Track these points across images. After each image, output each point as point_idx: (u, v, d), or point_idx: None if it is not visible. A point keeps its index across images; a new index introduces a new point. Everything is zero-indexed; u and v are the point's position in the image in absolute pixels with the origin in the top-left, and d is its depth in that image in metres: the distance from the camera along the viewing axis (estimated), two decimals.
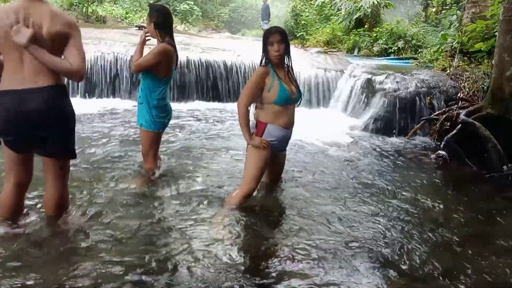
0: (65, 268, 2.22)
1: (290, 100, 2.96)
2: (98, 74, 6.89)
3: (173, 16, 3.41)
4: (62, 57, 2.26)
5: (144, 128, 3.38)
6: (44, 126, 2.26)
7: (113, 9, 15.58)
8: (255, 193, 3.13)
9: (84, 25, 11.59)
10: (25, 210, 2.66)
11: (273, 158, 3.13)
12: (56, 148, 2.37)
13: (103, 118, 5.75)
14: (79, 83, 6.71)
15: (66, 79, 2.36)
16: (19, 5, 2.18)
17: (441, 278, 2.41)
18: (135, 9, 16.78)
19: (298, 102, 3.06)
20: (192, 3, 19.80)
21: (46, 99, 2.22)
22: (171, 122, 3.66)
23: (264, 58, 2.95)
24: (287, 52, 2.95)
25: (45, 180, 2.51)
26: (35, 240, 2.44)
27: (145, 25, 3.47)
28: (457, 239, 2.90)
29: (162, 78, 3.27)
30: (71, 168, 2.64)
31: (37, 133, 2.27)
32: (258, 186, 3.11)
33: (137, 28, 11.09)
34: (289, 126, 3.03)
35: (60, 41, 2.22)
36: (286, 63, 3.01)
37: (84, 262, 2.27)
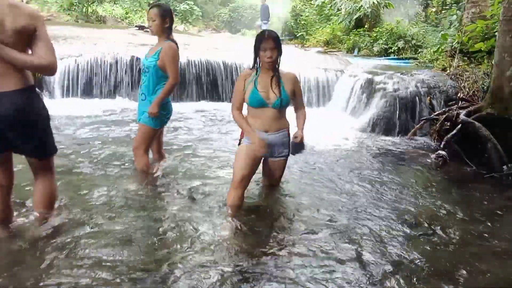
0: (57, 270, 2.20)
1: (262, 103, 2.92)
2: (98, 74, 6.89)
3: (174, 16, 3.48)
4: (29, 51, 2.16)
5: (142, 122, 3.39)
6: (15, 130, 2.21)
7: (113, 9, 15.58)
8: (255, 194, 3.12)
9: (84, 25, 11.60)
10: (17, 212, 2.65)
11: (265, 163, 3.15)
12: (32, 149, 2.34)
13: (102, 119, 5.74)
14: (78, 83, 6.72)
15: (37, 79, 2.29)
16: None
17: (441, 278, 2.40)
18: (135, 9, 16.77)
19: (278, 107, 2.94)
20: (192, 3, 19.79)
21: (16, 103, 2.15)
22: (170, 121, 3.66)
23: (255, 61, 2.95)
24: (279, 58, 2.92)
25: (34, 178, 2.51)
26: (28, 242, 2.43)
27: (145, 24, 3.50)
28: (457, 239, 2.90)
29: (164, 74, 3.32)
30: (66, 172, 2.61)
31: (9, 136, 2.22)
32: (258, 186, 3.11)
33: (137, 28, 11.08)
34: (267, 129, 2.98)
35: (26, 35, 2.11)
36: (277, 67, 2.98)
37: (77, 265, 2.25)
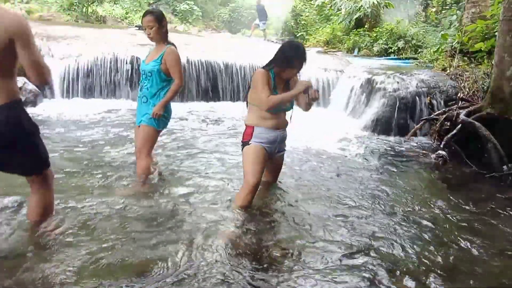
0: (56, 271, 2.19)
1: (280, 109, 2.96)
2: (98, 74, 6.89)
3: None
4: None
5: (146, 124, 3.38)
6: (9, 145, 2.14)
7: (113, 9, 15.55)
8: (257, 197, 3.11)
9: (84, 25, 11.60)
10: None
11: (270, 158, 3.14)
12: (24, 166, 2.28)
13: (102, 119, 5.75)
14: (79, 83, 6.73)
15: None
16: None
17: (441, 278, 2.40)
18: (135, 9, 16.74)
19: (290, 114, 3.06)
20: (192, 3, 19.75)
21: (7, 117, 2.08)
22: (170, 122, 3.66)
23: (274, 67, 2.93)
24: None
25: (30, 188, 2.44)
26: (25, 244, 2.41)
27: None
28: (457, 239, 2.90)
29: (167, 77, 3.35)
30: (65, 174, 2.55)
31: (3, 153, 2.16)
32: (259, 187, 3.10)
33: (137, 28, 11.07)
34: (279, 127, 3.02)
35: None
36: None
37: (76, 266, 2.24)
